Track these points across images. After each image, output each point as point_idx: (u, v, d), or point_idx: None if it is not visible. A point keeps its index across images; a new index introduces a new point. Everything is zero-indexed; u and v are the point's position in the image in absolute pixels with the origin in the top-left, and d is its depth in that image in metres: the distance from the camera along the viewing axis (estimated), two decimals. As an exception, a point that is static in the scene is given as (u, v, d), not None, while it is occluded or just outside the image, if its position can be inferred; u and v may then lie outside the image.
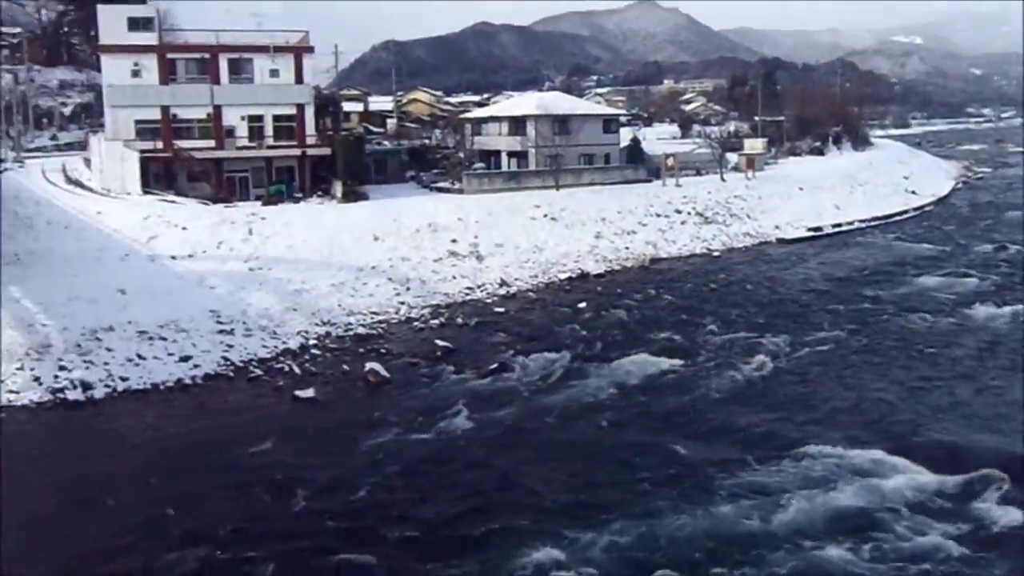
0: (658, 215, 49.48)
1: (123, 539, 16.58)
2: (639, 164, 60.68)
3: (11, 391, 24.55)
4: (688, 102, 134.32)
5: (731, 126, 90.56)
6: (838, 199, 58.46)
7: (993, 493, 17.55)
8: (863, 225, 54.52)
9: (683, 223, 49.22)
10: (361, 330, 31.59)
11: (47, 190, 42.73)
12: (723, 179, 59.15)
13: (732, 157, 65.86)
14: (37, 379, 25.27)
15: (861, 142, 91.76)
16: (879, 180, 68.13)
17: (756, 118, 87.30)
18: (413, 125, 79.51)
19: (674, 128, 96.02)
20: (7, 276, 31.76)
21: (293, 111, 49.42)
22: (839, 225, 53.42)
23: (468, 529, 16.63)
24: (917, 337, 29.81)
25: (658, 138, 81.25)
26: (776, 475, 18.63)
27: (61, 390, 24.91)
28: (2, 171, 44.60)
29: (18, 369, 25.59)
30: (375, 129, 71.60)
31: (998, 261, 42.99)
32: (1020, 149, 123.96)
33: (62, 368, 25.91)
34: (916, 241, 49.55)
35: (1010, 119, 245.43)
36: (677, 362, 27.36)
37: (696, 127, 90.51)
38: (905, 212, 59.85)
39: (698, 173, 61.76)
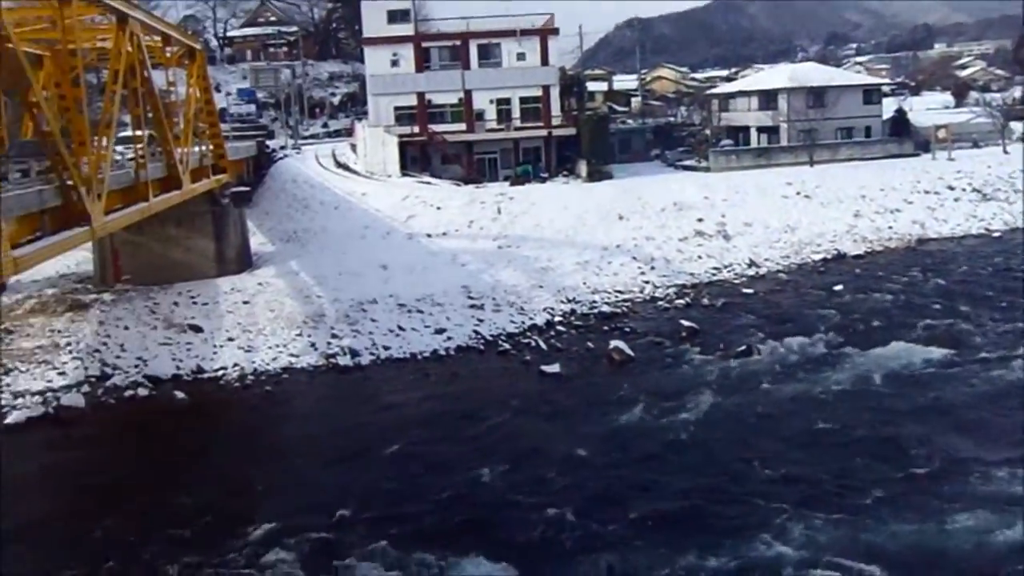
0: (926, 192, 45.13)
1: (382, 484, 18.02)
2: (905, 137, 55.75)
3: (292, 355, 27.33)
4: (964, 67, 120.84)
5: (1016, 92, 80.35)
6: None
7: None
8: None
9: (956, 200, 44.51)
10: (605, 308, 31.76)
11: (320, 173, 46.97)
12: (1006, 151, 52.71)
13: (1017, 126, 58.52)
14: (313, 345, 27.94)
15: None
16: None
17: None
18: (658, 103, 78.50)
19: (947, 97, 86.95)
20: (288, 252, 35.73)
21: (539, 93, 50.54)
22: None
23: (705, 515, 16.27)
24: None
25: (928, 108, 74.07)
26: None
27: (333, 355, 27.35)
28: (284, 156, 49.82)
29: (297, 335, 28.49)
30: (619, 108, 71.52)
31: None
32: None
33: (334, 336, 28.47)
34: None
35: None
36: (945, 352, 24.86)
37: (973, 95, 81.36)
38: None
39: (975, 145, 55.57)
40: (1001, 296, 30.63)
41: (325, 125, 71.86)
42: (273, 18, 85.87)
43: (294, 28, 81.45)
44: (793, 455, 18.79)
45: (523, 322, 30.10)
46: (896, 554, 14.43)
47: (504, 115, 50.65)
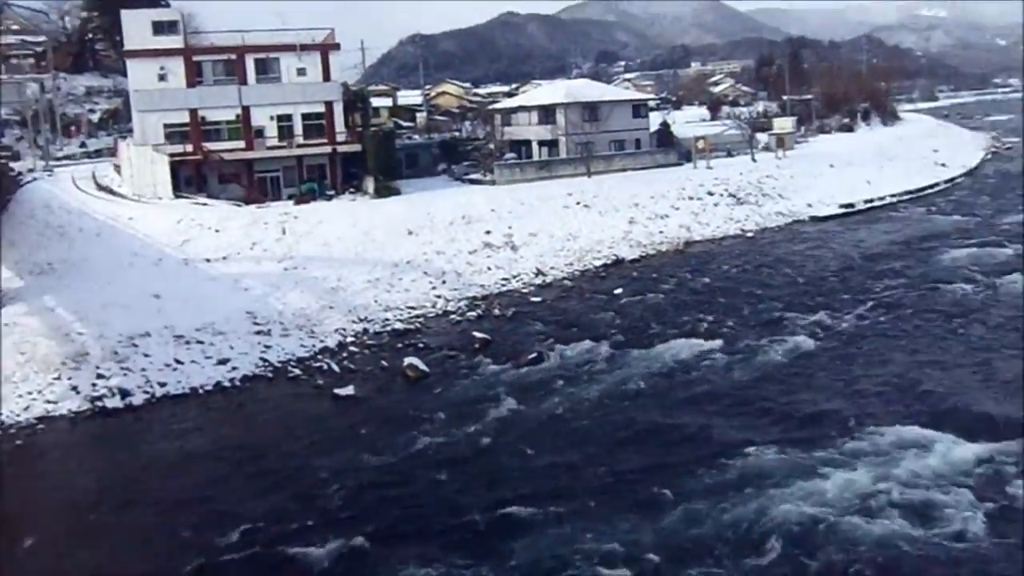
0: (691, 198, 48.89)
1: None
2: (670, 148, 60.15)
3: (49, 401, 24.56)
4: (716, 84, 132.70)
5: (760, 106, 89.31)
6: (869, 175, 57.36)
7: None
8: (895, 200, 53.56)
9: (716, 205, 48.58)
10: (398, 325, 31.50)
11: (78, 198, 42.98)
12: (754, 159, 58.38)
13: (762, 137, 65.06)
14: (75, 388, 25.23)
15: (890, 117, 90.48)
16: (909, 154, 67.09)
17: (784, 97, 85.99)
18: (443, 118, 79.38)
19: (703, 111, 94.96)
20: (41, 286, 32.06)
21: (322, 109, 49.38)
22: (871, 201, 52.45)
23: (506, 519, 16.54)
24: (952, 309, 29.36)
25: (687, 121, 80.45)
26: (819, 454, 18.39)
27: (99, 398, 24.91)
28: (33, 180, 45.03)
29: (55, 379, 25.54)
30: (405, 124, 71.54)
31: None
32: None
33: (100, 376, 25.90)
34: (947, 214, 48.83)
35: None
36: (716, 345, 27.02)
37: (725, 109, 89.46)
38: (936, 185, 58.77)
39: (729, 154, 61.05)
40: (756, 290, 33.72)
41: (83, 144, 66.19)
42: (15, 26, 77.76)
43: (42, 38, 74.20)
44: (587, 452, 19.55)
45: (314, 345, 29.16)
46: (692, 539, 15.40)
47: (285, 132, 48.98)
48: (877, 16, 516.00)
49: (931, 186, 58.29)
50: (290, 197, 46.08)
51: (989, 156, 76.37)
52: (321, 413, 23.81)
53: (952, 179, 61.57)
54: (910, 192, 55.67)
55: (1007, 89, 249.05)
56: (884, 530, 15.12)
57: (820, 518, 15.61)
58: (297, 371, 27.26)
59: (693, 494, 16.90)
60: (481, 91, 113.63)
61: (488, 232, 40.86)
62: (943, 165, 65.41)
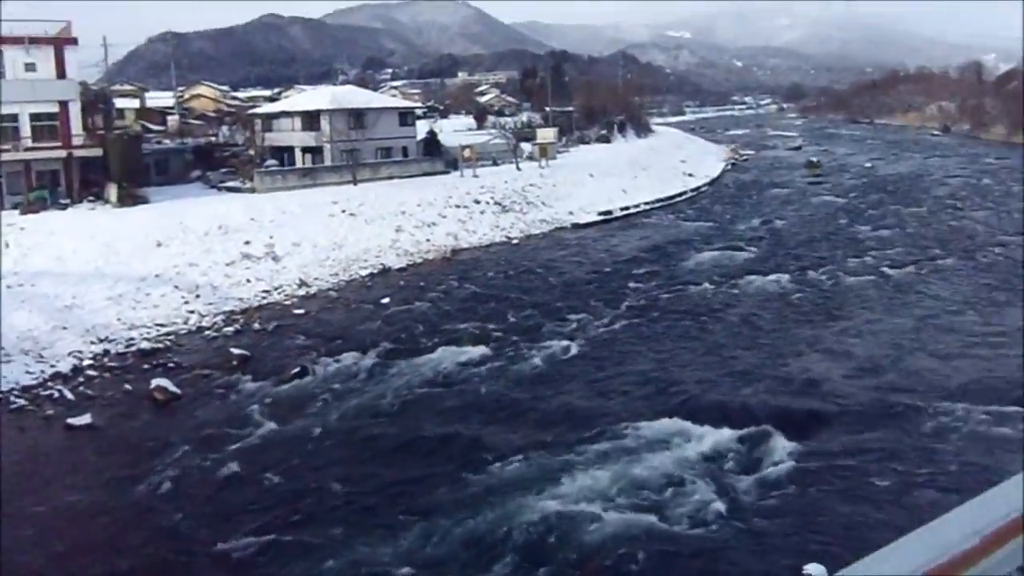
0: (458, 206, 49.54)
1: None
2: (437, 156, 60.67)
3: None
4: (482, 94, 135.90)
5: (524, 116, 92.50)
6: (625, 184, 61.20)
7: (769, 444, 18.89)
8: (648, 207, 57.29)
9: (482, 213, 49.59)
10: (145, 344, 29.04)
11: None
12: (518, 168, 60.29)
13: (526, 147, 67.35)
14: None
15: (643, 129, 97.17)
16: (660, 164, 72.35)
17: (547, 108, 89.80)
18: (197, 122, 74.81)
19: (470, 120, 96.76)
20: None
21: (55, 109, 44.81)
22: (627, 208, 55.85)
23: (225, 559, 15.53)
24: (700, 307, 31.74)
25: (455, 130, 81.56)
26: (582, 451, 18.92)
27: None
28: None
29: None
30: (154, 127, 66.75)
31: (764, 234, 46.68)
32: (777, 133, 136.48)
33: None
34: (695, 220, 52.88)
35: (768, 106, 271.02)
36: (483, 351, 27.28)
37: (491, 118, 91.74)
38: (684, 193, 63.60)
39: (495, 163, 62.59)
40: (520, 296, 34.65)
41: None
42: None
43: None
44: (339, 471, 18.87)
45: (43, 371, 26.11)
46: (428, 559, 15.25)
47: (10, 133, 43.93)
48: (630, 35, 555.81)
49: (680, 194, 62.98)
50: (15, 206, 41.31)
51: (729, 167, 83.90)
52: (49, 447, 21.30)
53: (698, 188, 66.85)
54: (661, 200, 59.81)
55: (743, 106, 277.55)
56: (624, 524, 15.74)
57: (563, 520, 15.98)
58: (22, 401, 24.27)
59: (439, 508, 16.72)
60: (240, 95, 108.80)
61: (247, 242, 38.94)
62: (690, 175, 71.10)
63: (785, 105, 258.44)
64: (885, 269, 36.70)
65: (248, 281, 35.95)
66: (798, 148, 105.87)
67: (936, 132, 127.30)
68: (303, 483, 18.39)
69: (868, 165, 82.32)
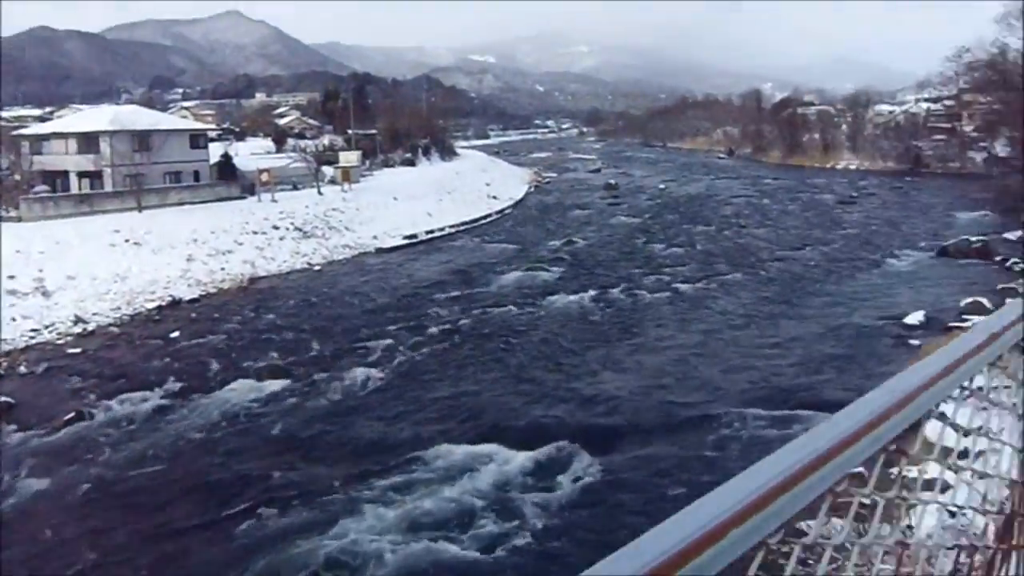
0: (255, 232, 47.48)
1: None
2: (232, 180, 57.98)
3: None
4: (282, 116, 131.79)
5: (326, 139, 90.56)
6: (430, 207, 61.32)
7: (566, 462, 19.26)
8: (453, 230, 57.63)
9: (282, 239, 47.82)
10: None
11: None
12: (320, 192, 58.81)
13: (328, 170, 65.92)
14: None
15: (448, 153, 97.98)
16: (465, 188, 73.14)
17: (350, 131, 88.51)
18: (-50, 144, 67.06)
19: (269, 143, 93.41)
20: None
21: None
22: (432, 232, 55.90)
23: None
24: (504, 329, 32.03)
25: (252, 153, 78.44)
26: (377, 485, 18.37)
27: None
28: None
29: None
30: None
31: (566, 255, 48.12)
32: (577, 156, 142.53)
33: None
34: (499, 242, 53.61)
35: (569, 130, 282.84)
36: (284, 383, 26.08)
37: (291, 141, 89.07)
38: (489, 216, 64.60)
39: (295, 187, 60.73)
40: (326, 324, 33.54)
41: None
42: None
43: None
44: (122, 524, 17.23)
45: None
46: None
47: None
48: (434, 58, 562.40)
49: (485, 217, 63.83)
50: None
51: (532, 189, 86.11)
52: None
53: (502, 210, 68.00)
54: (467, 223, 60.30)
55: (545, 129, 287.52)
56: (414, 558, 15.36)
57: (349, 559, 15.47)
58: None
59: (232, 555, 15.73)
60: (5, 114, 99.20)
61: (12, 277, 35.19)
62: (495, 197, 72.30)
63: (585, 129, 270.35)
64: (678, 285, 38.75)
65: (13, 319, 32.43)
66: (598, 170, 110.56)
67: (722, 155, 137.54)
68: (59, 548, 16.52)
69: (662, 186, 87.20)
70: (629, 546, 0.61)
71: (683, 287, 38.42)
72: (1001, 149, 63.36)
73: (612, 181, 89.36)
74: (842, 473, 0.97)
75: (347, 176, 63.27)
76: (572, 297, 36.73)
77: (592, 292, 37.61)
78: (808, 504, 0.88)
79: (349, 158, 71.21)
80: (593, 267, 44.01)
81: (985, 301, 29.73)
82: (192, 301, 37.87)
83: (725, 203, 71.09)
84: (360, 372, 26.94)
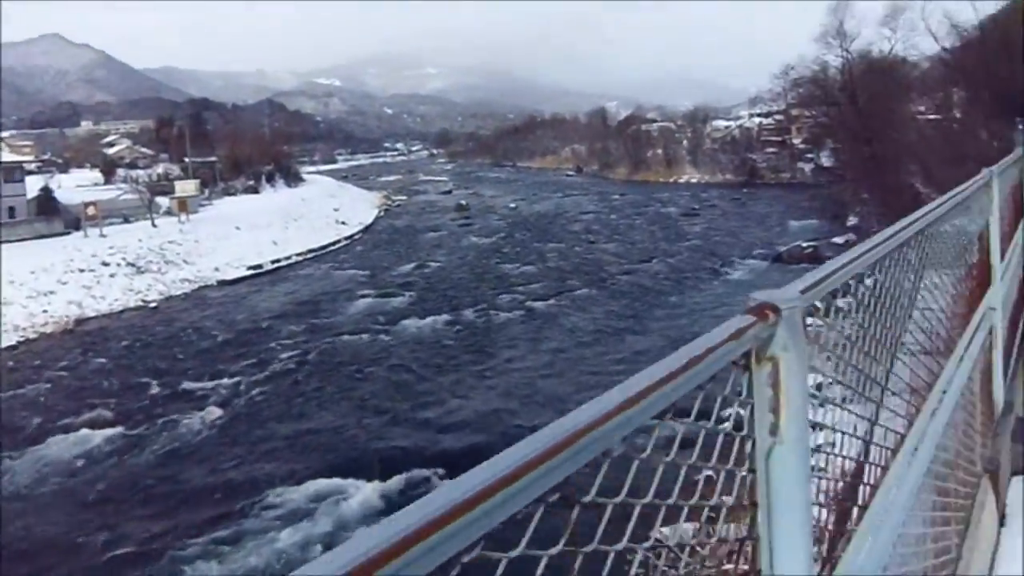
0: (81, 270, 44.07)
1: None
2: (54, 215, 53.76)
3: None
4: (111, 145, 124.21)
5: (160, 169, 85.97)
6: (276, 235, 59.11)
7: (413, 489, 18.74)
8: (301, 258, 55.84)
9: (112, 276, 44.62)
10: None
11: None
12: (154, 225, 55.45)
13: (163, 201, 62.35)
14: None
15: (293, 179, 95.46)
16: (313, 214, 71.20)
17: (187, 160, 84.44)
18: None
19: (96, 174, 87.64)
20: None
21: None
22: (279, 261, 53.86)
23: None
24: (355, 358, 31.09)
25: (78, 185, 73.23)
26: (223, 532, 17.33)
27: None
28: None
29: None
30: None
31: (419, 278, 47.45)
32: (428, 178, 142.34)
33: None
34: (349, 268, 52.38)
35: (419, 152, 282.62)
36: (115, 432, 24.21)
37: (121, 171, 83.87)
38: (338, 242, 63.09)
39: (126, 220, 57.02)
40: (159, 365, 31.40)
41: None
42: None
43: None
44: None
45: None
46: None
47: None
48: (276, 82, 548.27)
49: (334, 243, 62.23)
50: None
51: (382, 213, 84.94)
52: None
53: (352, 236, 66.61)
54: (315, 250, 58.58)
55: (395, 152, 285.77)
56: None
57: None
58: None
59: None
60: None
61: None
62: (343, 223, 70.65)
63: (435, 151, 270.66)
64: (530, 304, 38.83)
65: None
66: (449, 192, 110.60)
67: (571, 173, 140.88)
68: None
69: (513, 206, 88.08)
70: (326, 555, 0.66)
71: (535, 305, 38.53)
72: (826, 160, 67.73)
73: (463, 202, 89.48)
74: (561, 476, 0.97)
75: (184, 206, 60.09)
76: (424, 321, 36.09)
77: (444, 315, 37.11)
78: (524, 508, 0.93)
79: (186, 187, 67.79)
80: (445, 290, 43.52)
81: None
82: (10, 348, 34.57)
83: (575, 220, 72.53)
84: (197, 416, 25.25)
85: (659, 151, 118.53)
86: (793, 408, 1.54)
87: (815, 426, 1.86)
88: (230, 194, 79.21)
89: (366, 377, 28.66)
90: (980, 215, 5.11)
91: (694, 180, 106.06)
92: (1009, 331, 6.74)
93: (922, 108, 64.94)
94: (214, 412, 25.56)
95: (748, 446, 1.53)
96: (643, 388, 1.20)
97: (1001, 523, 4.64)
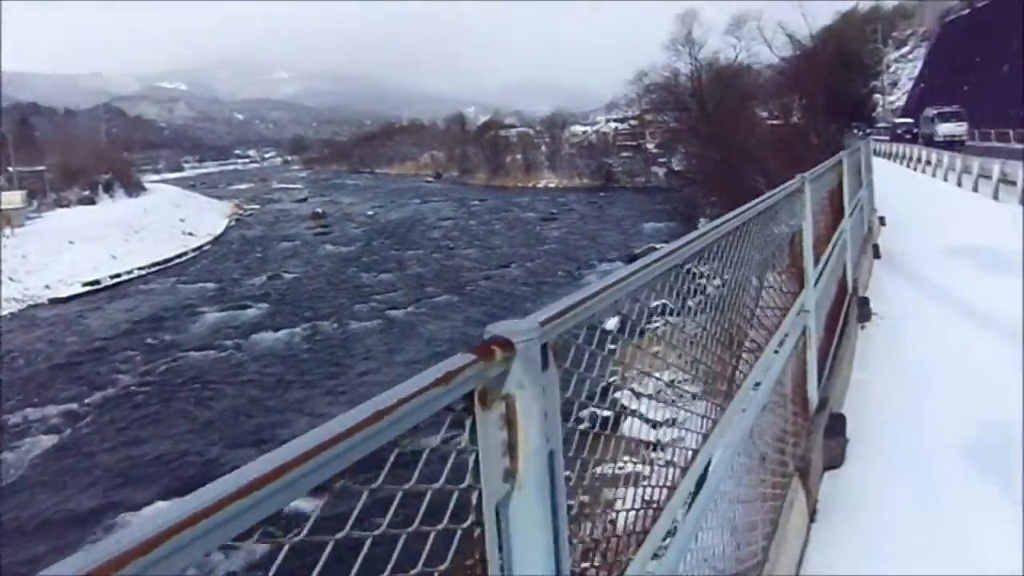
0: None
1: None
2: None
3: None
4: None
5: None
6: (115, 249, 55.65)
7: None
8: (144, 272, 52.74)
9: None
10: None
11: None
12: None
13: None
14: None
15: (134, 188, 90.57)
16: (156, 225, 67.65)
17: (11, 169, 78.17)
18: None
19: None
20: None
21: None
22: (119, 276, 50.60)
23: None
24: (204, 376, 29.60)
25: None
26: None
27: None
28: None
29: None
30: None
31: (271, 289, 45.81)
32: (282, 186, 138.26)
33: None
34: (197, 281, 49.95)
35: (272, 159, 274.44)
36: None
37: (-66, 183, 76.94)
38: (185, 254, 60.17)
39: None
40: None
41: None
42: None
43: None
44: None
45: None
46: None
47: None
48: (116, 86, 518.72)
49: (180, 255, 59.26)
50: None
51: (233, 223, 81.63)
52: None
53: (200, 247, 63.69)
54: (159, 263, 55.53)
55: (247, 159, 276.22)
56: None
57: None
58: None
59: None
60: None
61: None
62: (191, 234, 67.44)
63: (290, 157, 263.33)
64: (388, 312, 38.22)
65: None
66: (304, 200, 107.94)
67: (430, 179, 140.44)
68: None
69: (371, 213, 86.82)
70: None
71: (393, 314, 38.01)
72: (678, 164, 70.64)
73: (319, 210, 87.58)
74: (306, 487, 1.01)
75: (9, 220, 55.58)
76: (278, 334, 34.86)
77: (299, 327, 35.99)
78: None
79: (12, 199, 62.71)
80: (299, 301, 42.24)
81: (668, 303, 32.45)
82: None
83: (433, 226, 72.28)
84: (20, 448, 23.20)
85: (518, 156, 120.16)
86: (532, 449, 1.41)
87: (577, 459, 1.78)
88: (62, 206, 74.04)
89: (213, 396, 27.27)
90: (795, 220, 5.19)
91: (552, 185, 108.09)
92: (828, 328, 6.89)
93: (765, 114, 69.05)
94: (40, 443, 23.59)
95: (474, 497, 1.37)
96: (314, 447, 1.06)
97: (812, 519, 4.76)
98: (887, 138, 59.55)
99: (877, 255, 13.71)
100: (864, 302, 9.70)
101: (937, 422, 6.02)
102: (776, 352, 4.16)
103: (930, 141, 43.68)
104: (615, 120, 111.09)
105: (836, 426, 5.67)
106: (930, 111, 51.92)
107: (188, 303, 43.06)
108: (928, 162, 32.67)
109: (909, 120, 66.15)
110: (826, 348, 6.49)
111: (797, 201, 5.24)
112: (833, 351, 6.81)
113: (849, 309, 8.56)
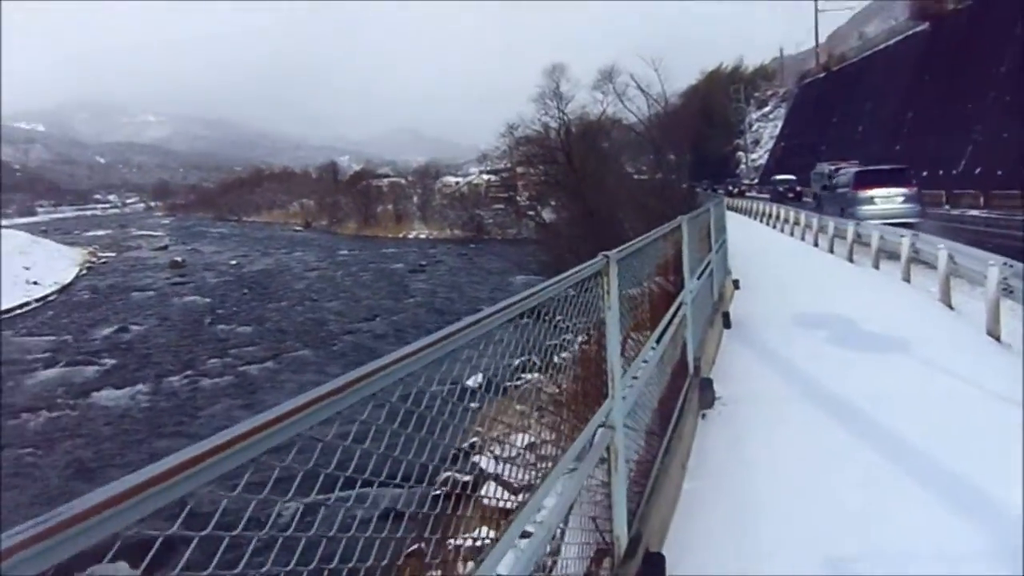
0: None
1: None
2: None
3: None
4: None
5: None
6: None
7: None
8: (-26, 325, 49.07)
9: None
10: None
11: None
12: None
13: None
14: None
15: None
16: (-3, 274, 63.19)
17: None
18: None
19: None
20: None
21: None
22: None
23: None
24: (35, 437, 27.45)
25: None
26: None
27: None
28: None
29: None
30: None
31: (119, 343, 43.35)
32: (143, 232, 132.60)
33: None
34: (36, 334, 46.69)
35: (134, 204, 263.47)
36: None
37: None
38: (27, 304, 56.43)
39: None
40: None
41: None
42: None
43: None
44: None
45: None
46: None
47: None
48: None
49: (21, 306, 55.51)
50: None
51: (84, 271, 77.37)
52: None
53: (44, 297, 60.04)
54: (-4, 315, 51.79)
55: (107, 204, 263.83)
56: None
57: None
58: None
59: None
60: None
61: None
62: (35, 283, 63.56)
63: (153, 203, 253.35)
64: (244, 368, 36.74)
65: None
66: (164, 248, 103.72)
67: (299, 228, 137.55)
68: None
69: (233, 262, 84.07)
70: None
71: (249, 369, 36.60)
72: (548, 215, 71.83)
73: (179, 258, 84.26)
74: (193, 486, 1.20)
75: None
76: (122, 392, 32.85)
77: (146, 384, 34.06)
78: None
79: None
80: (150, 355, 40.12)
81: (536, 360, 32.64)
82: None
83: (299, 277, 70.68)
84: None
85: (389, 206, 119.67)
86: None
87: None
88: None
89: (47, 459, 25.28)
90: (593, 313, 4.26)
91: (423, 236, 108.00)
92: (663, 419, 6.15)
93: (631, 169, 71.59)
94: None
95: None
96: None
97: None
98: (767, 196, 60.83)
99: (727, 324, 12.98)
100: (707, 384, 8.75)
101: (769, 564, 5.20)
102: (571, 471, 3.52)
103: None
104: (487, 172, 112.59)
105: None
106: (825, 166, 42.25)
107: (24, 359, 40.12)
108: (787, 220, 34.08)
109: (791, 177, 66.89)
110: (651, 457, 5.66)
111: (597, 286, 4.28)
112: (661, 458, 5.81)
113: (688, 395, 7.63)
